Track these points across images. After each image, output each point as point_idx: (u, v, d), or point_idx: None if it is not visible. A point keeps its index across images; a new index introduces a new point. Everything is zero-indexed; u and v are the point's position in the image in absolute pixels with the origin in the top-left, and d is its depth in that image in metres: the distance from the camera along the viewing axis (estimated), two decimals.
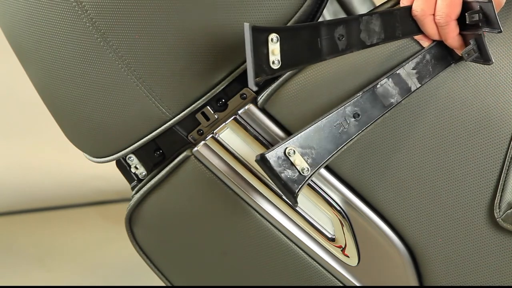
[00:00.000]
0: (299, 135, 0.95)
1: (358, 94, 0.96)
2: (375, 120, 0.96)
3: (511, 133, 1.00)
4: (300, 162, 0.94)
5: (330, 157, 0.95)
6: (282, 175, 0.94)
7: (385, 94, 0.96)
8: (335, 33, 0.94)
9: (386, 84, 0.97)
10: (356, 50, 0.95)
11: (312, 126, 0.95)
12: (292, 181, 0.94)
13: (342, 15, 1.46)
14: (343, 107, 0.96)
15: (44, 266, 1.85)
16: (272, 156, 0.94)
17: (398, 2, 0.98)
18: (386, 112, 0.97)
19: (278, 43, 0.91)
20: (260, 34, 0.90)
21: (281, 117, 1.02)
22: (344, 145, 0.96)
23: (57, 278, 1.80)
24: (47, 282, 1.78)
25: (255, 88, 0.89)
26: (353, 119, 0.96)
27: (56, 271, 1.83)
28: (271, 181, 1.05)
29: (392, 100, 0.97)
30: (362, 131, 0.96)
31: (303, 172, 0.95)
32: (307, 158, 0.95)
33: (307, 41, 0.93)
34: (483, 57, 0.94)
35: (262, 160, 0.94)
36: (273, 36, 0.91)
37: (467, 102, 1.00)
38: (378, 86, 0.96)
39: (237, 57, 0.99)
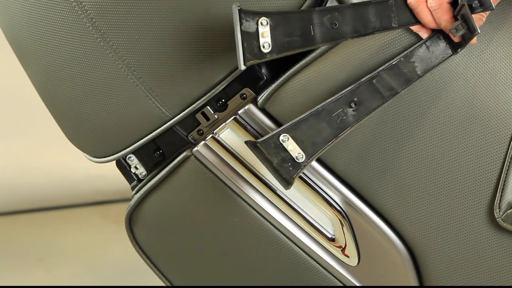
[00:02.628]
0: (294, 122, 0.95)
1: (356, 84, 0.96)
2: (373, 110, 0.96)
3: (511, 133, 1.00)
4: (294, 148, 0.95)
5: (327, 146, 0.95)
6: (276, 161, 0.94)
7: (383, 84, 0.96)
8: (328, 20, 0.94)
9: (385, 75, 0.96)
10: (350, 38, 0.95)
11: (308, 114, 0.95)
12: (286, 167, 0.95)
13: None
14: (340, 96, 0.96)
15: (44, 266, 1.85)
16: (265, 141, 0.94)
17: None
18: (385, 102, 0.96)
19: (268, 26, 0.92)
20: (249, 17, 0.91)
21: (281, 117, 1.02)
22: (341, 134, 0.96)
23: (57, 278, 1.80)
24: (47, 282, 1.78)
25: (243, 68, 0.90)
26: (351, 108, 0.96)
27: (56, 271, 1.83)
28: (272, 182, 1.05)
29: (391, 90, 0.96)
30: (359, 120, 0.96)
31: (297, 159, 0.95)
32: (303, 146, 0.95)
33: (299, 27, 0.93)
34: (470, 29, 0.94)
35: (255, 146, 0.94)
36: (263, 19, 0.92)
37: (467, 102, 1.00)
38: (377, 76, 0.96)
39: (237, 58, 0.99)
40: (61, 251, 1.91)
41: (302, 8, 0.99)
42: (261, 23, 0.92)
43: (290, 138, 0.95)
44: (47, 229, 2.01)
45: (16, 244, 1.94)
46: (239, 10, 0.91)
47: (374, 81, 0.96)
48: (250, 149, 0.95)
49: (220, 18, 0.97)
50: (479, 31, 0.92)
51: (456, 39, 0.95)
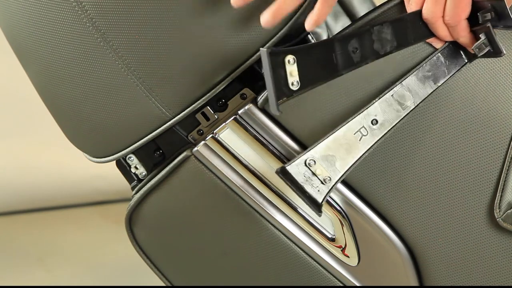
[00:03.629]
0: (318, 145, 0.95)
1: (375, 100, 0.96)
2: (394, 126, 0.96)
3: (511, 133, 1.00)
4: (321, 172, 0.95)
5: (352, 165, 0.95)
6: (305, 186, 0.94)
7: (401, 98, 0.96)
8: (349, 47, 0.93)
9: (402, 88, 0.97)
10: (371, 61, 0.94)
11: (330, 136, 0.95)
12: (316, 191, 0.94)
13: (342, 15, 1.46)
14: (360, 114, 0.96)
15: (44, 266, 1.85)
16: (293, 167, 0.94)
17: (400, 2, 0.98)
18: (405, 116, 0.96)
19: (295, 64, 0.90)
20: (277, 58, 0.89)
21: (281, 117, 1.02)
22: (365, 152, 0.96)
23: (57, 278, 1.80)
24: (47, 282, 1.78)
25: (278, 113, 0.88)
26: (372, 125, 0.96)
27: (56, 271, 1.83)
28: (272, 182, 1.05)
29: (409, 104, 0.97)
30: (381, 137, 0.96)
31: (325, 182, 0.95)
32: (328, 168, 0.95)
33: (323, 58, 0.92)
34: (494, 50, 0.94)
35: (283, 173, 0.94)
36: (290, 57, 0.90)
37: (467, 102, 1.00)
38: (395, 91, 0.96)
39: (237, 57, 0.99)
40: (61, 251, 1.91)
41: (302, 7, 0.99)
42: (288, 61, 0.90)
43: (316, 162, 0.95)
44: (47, 229, 2.01)
45: (16, 244, 1.94)
46: (269, 53, 0.87)
47: (392, 96, 0.96)
48: (280, 176, 0.94)
49: (220, 17, 0.97)
50: (505, 53, 0.93)
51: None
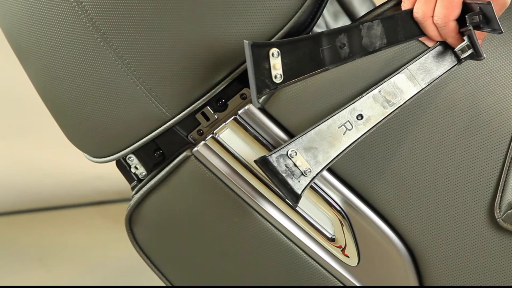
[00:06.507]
0: (301, 137, 0.95)
1: (362, 96, 0.96)
2: (379, 122, 0.96)
3: (511, 133, 1.00)
4: (302, 163, 0.95)
5: (334, 158, 0.96)
6: (284, 176, 0.94)
7: (389, 95, 0.97)
8: (336, 42, 0.94)
9: (390, 85, 0.97)
10: (359, 57, 0.95)
11: (315, 128, 0.95)
12: (296, 182, 0.94)
13: (342, 15, 1.46)
14: (346, 108, 0.96)
15: (44, 266, 1.85)
16: (274, 157, 0.94)
17: (398, 3, 0.98)
18: (391, 114, 0.97)
19: (279, 57, 0.91)
20: (260, 50, 0.90)
21: (281, 117, 1.02)
22: (348, 146, 0.96)
23: (57, 278, 1.80)
24: (47, 282, 1.78)
25: (258, 106, 0.90)
26: (357, 120, 0.96)
27: (56, 271, 1.83)
28: (272, 182, 1.05)
29: (397, 101, 0.97)
30: (366, 133, 0.96)
31: (306, 174, 0.95)
32: (310, 160, 0.95)
33: (309, 52, 0.93)
34: (476, 53, 0.95)
35: (263, 162, 0.94)
36: (274, 50, 0.91)
37: (467, 102, 1.00)
38: (382, 87, 0.96)
39: (237, 57, 0.99)
40: (61, 251, 1.91)
41: (302, 7, 0.99)
42: (272, 54, 0.91)
43: (298, 153, 0.95)
44: (47, 229, 2.01)
45: (16, 244, 1.94)
46: (251, 45, 0.89)
47: (380, 92, 0.96)
48: (259, 165, 0.94)
49: (220, 17, 0.97)
50: (485, 56, 0.93)
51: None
